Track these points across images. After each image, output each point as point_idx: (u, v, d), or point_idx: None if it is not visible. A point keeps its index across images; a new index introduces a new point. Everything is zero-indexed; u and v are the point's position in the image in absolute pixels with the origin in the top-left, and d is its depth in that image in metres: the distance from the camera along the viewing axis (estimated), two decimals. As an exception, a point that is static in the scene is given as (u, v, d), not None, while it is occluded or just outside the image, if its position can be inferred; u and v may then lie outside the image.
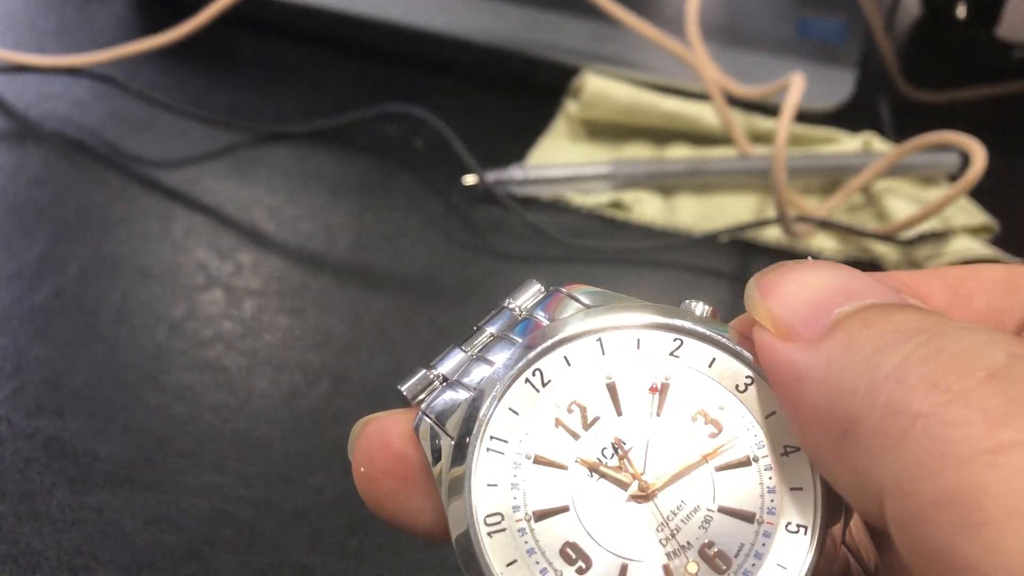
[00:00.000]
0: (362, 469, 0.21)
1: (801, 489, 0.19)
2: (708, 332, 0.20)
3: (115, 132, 0.51)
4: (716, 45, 0.54)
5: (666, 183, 0.49)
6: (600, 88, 0.51)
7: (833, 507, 0.19)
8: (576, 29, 0.55)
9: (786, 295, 0.18)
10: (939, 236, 0.46)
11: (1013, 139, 0.55)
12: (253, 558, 0.33)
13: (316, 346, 0.40)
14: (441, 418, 0.20)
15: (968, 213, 0.47)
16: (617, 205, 0.48)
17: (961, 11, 0.62)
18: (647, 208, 0.48)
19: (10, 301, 0.41)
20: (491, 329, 0.22)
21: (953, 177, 0.50)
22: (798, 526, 0.19)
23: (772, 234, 0.46)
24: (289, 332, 0.41)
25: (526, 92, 0.55)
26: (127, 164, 0.49)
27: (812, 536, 0.19)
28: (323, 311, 0.42)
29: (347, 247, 0.45)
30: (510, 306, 0.22)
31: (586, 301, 0.21)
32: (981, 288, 0.20)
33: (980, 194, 0.47)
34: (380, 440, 0.21)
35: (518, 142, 0.51)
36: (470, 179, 0.47)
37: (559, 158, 0.50)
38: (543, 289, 0.22)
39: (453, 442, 0.20)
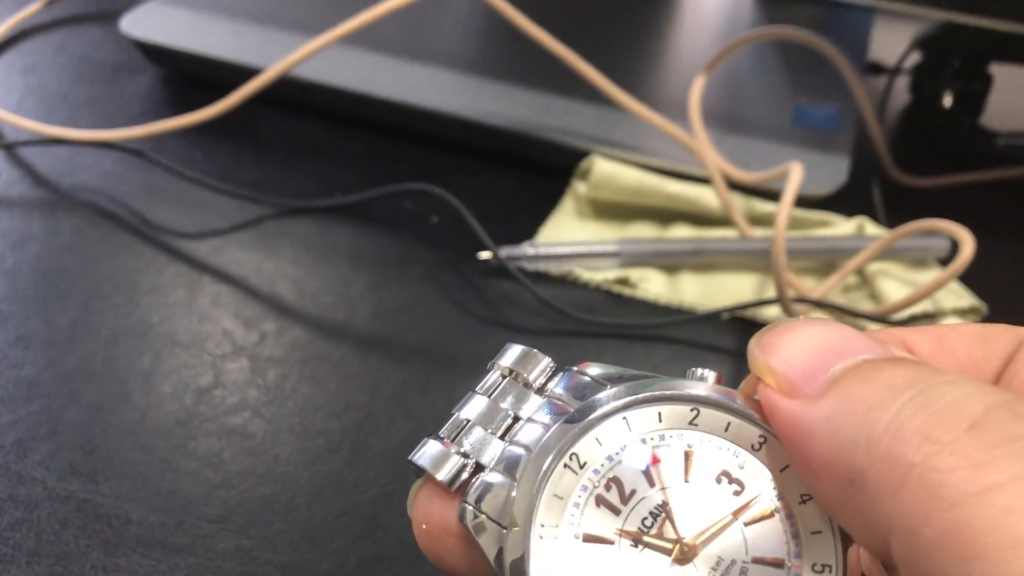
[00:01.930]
0: (423, 527, 0.22)
1: (821, 532, 0.21)
2: (720, 399, 0.22)
3: (144, 203, 0.53)
4: (717, 131, 0.57)
5: (670, 261, 0.51)
6: (608, 170, 0.53)
7: (850, 543, 0.21)
8: (585, 114, 0.58)
9: (785, 353, 0.20)
10: (930, 317, 0.49)
11: (999, 223, 0.58)
12: (279, 620, 0.34)
13: (337, 414, 0.42)
14: (488, 509, 0.21)
15: (957, 295, 0.50)
16: (624, 282, 0.50)
17: (947, 101, 0.65)
18: (652, 285, 0.50)
19: (45, 365, 0.43)
20: (503, 403, 0.23)
21: (943, 260, 0.53)
22: (823, 566, 0.20)
23: (771, 312, 0.49)
24: (311, 400, 0.43)
25: (537, 172, 0.58)
26: (155, 234, 0.51)
27: (837, 572, 0.20)
28: (343, 380, 0.44)
29: (366, 318, 0.47)
30: (511, 375, 0.24)
31: (600, 379, 0.23)
32: (961, 340, 0.22)
33: (968, 277, 0.49)
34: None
35: (529, 220, 0.54)
36: (484, 255, 0.50)
37: (568, 236, 0.53)
38: (552, 364, 0.24)
39: (503, 530, 0.21)
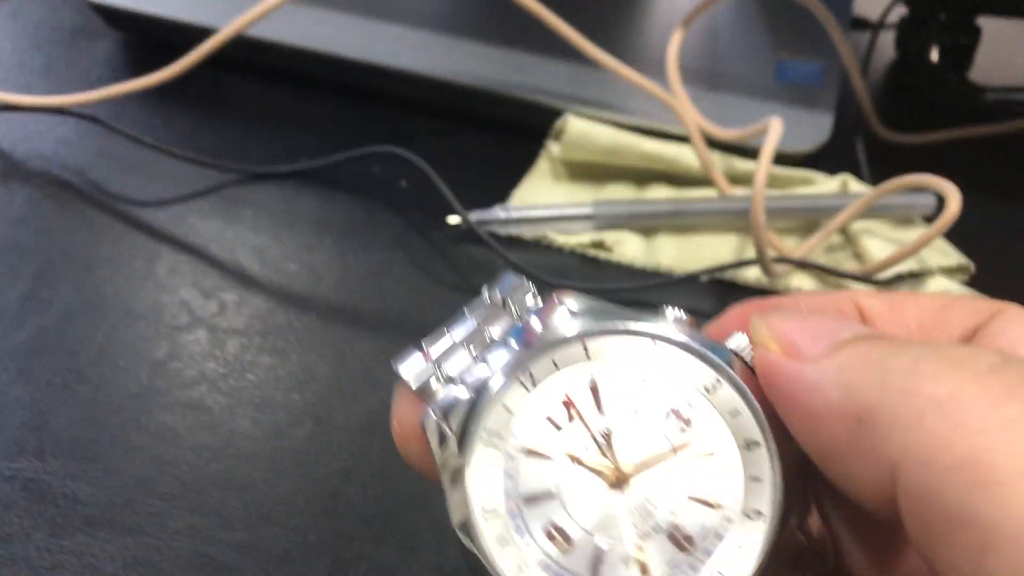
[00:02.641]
0: (396, 426, 0.24)
1: (760, 480, 0.21)
2: (680, 338, 0.23)
3: (100, 171, 0.51)
4: (696, 88, 0.55)
5: (647, 224, 0.49)
6: (582, 130, 0.51)
7: (790, 497, 0.21)
8: (559, 72, 0.55)
9: (789, 326, 0.20)
10: (916, 277, 0.47)
11: (987, 180, 0.56)
12: (234, 601, 0.33)
13: (299, 386, 0.40)
14: (446, 416, 0.22)
15: (944, 254, 0.48)
16: (599, 245, 0.48)
17: (934, 55, 0.63)
18: (628, 248, 0.48)
19: (-8, 341, 0.41)
20: (487, 327, 0.24)
21: (929, 218, 0.51)
22: (756, 512, 0.21)
23: (751, 274, 0.47)
24: (272, 372, 0.41)
25: (509, 134, 0.55)
26: (112, 203, 0.49)
27: (768, 521, 0.21)
28: (306, 351, 0.42)
29: (331, 287, 0.45)
30: (500, 302, 0.25)
31: (575, 308, 0.24)
32: (917, 309, 0.23)
33: (955, 235, 0.48)
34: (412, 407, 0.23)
35: (501, 183, 0.52)
36: (454, 219, 0.48)
37: (541, 199, 0.51)
38: (535, 294, 0.25)
39: (455, 437, 0.22)
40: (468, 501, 0.22)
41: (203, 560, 0.34)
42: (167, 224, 0.48)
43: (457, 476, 0.22)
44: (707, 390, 0.22)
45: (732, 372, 0.22)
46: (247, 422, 0.39)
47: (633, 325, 0.23)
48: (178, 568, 0.33)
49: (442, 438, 0.22)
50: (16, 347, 0.41)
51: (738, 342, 0.22)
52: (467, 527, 0.21)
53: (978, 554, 0.15)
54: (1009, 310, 0.22)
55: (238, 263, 0.46)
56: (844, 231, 0.50)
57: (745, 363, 0.22)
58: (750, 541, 0.21)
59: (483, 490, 0.22)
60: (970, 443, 0.15)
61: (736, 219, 0.49)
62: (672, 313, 0.23)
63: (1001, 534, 0.15)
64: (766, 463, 0.21)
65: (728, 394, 0.22)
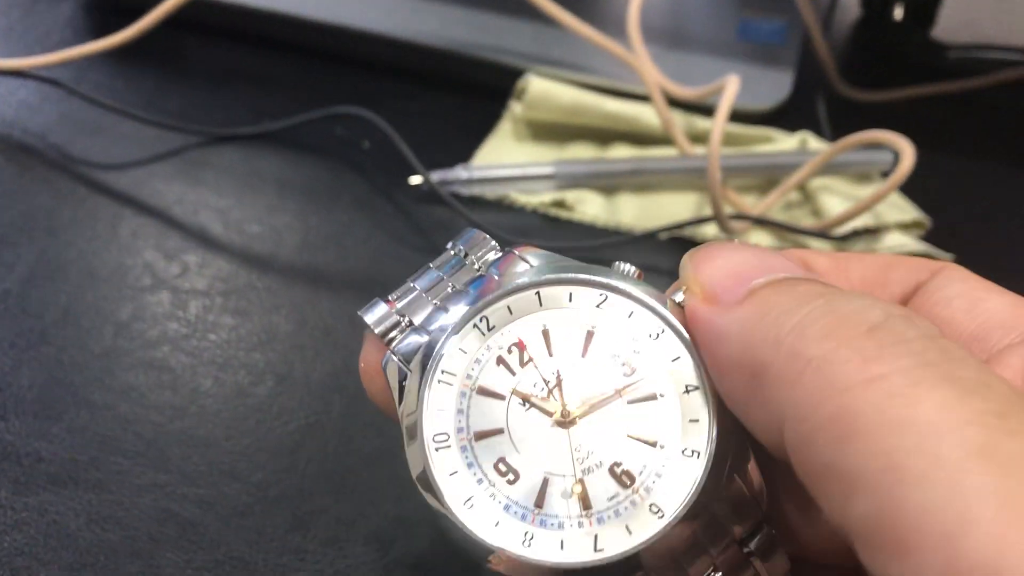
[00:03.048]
0: (362, 366, 0.26)
1: (697, 421, 0.23)
2: (628, 289, 0.24)
3: (62, 135, 0.51)
4: (658, 47, 0.55)
5: (608, 183, 0.50)
6: (543, 89, 0.52)
7: (726, 439, 0.22)
8: (520, 32, 0.56)
9: (712, 268, 0.22)
10: (872, 232, 0.48)
11: (946, 138, 0.57)
12: (196, 555, 0.33)
13: (260, 345, 0.41)
14: (407, 358, 0.24)
15: (900, 209, 0.49)
16: (560, 204, 0.49)
17: (898, 13, 0.64)
18: (589, 207, 0.49)
19: (-46, 304, 0.41)
20: (446, 275, 0.26)
21: (886, 174, 0.52)
22: (692, 451, 0.22)
23: (710, 231, 0.48)
24: (234, 332, 0.41)
25: (471, 94, 0.56)
26: (74, 167, 0.49)
27: (703, 460, 0.22)
28: (268, 311, 0.43)
29: (293, 248, 0.46)
30: (463, 254, 0.26)
31: (534, 262, 0.25)
32: (861, 266, 0.24)
33: (913, 191, 0.48)
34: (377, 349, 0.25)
35: (464, 143, 0.52)
36: (415, 179, 0.48)
37: (504, 158, 0.51)
38: (498, 248, 0.26)
39: (414, 375, 0.24)
40: (420, 431, 0.23)
41: (166, 515, 0.34)
42: (130, 187, 0.48)
43: (413, 429, 0.23)
44: (651, 336, 0.23)
45: (675, 320, 0.23)
46: (209, 381, 0.39)
47: (584, 276, 0.24)
48: (141, 523, 0.34)
49: (401, 384, 0.24)
50: (-22, 310, 0.41)
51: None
52: (424, 475, 0.23)
53: (844, 500, 0.16)
54: (947, 269, 0.24)
55: (200, 225, 0.46)
56: (802, 188, 0.51)
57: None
58: (686, 478, 0.22)
59: (436, 424, 0.23)
60: (837, 401, 0.17)
61: (695, 177, 0.50)
62: (622, 267, 0.25)
63: (864, 480, 0.16)
64: (702, 406, 0.22)
65: (670, 341, 0.23)
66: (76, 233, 0.46)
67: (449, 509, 0.22)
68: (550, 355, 0.24)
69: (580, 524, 0.22)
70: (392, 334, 0.25)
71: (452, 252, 0.27)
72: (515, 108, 0.53)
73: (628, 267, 0.25)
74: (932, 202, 0.50)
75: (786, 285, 0.20)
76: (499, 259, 0.26)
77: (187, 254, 0.45)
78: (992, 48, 0.61)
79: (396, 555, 0.34)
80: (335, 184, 0.49)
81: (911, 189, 0.47)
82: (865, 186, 0.51)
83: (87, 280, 0.43)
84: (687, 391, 0.23)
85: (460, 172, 0.48)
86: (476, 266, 0.26)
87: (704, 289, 0.21)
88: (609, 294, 0.24)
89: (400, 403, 0.24)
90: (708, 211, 0.49)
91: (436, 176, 0.48)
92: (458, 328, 0.24)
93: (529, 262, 0.25)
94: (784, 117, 0.54)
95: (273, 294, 0.43)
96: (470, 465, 0.23)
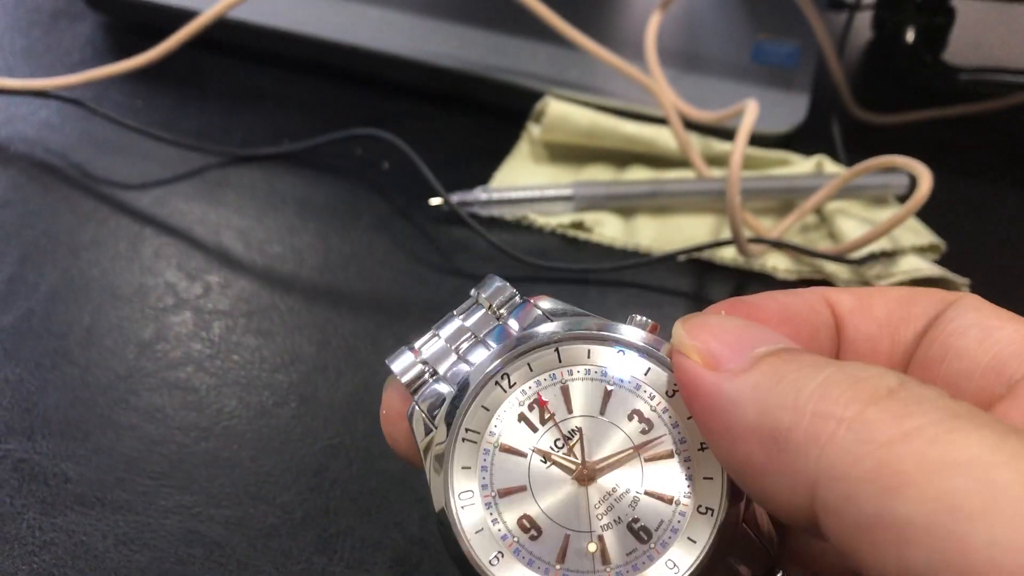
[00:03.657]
0: (384, 412, 0.26)
1: (712, 479, 0.23)
2: (645, 346, 0.24)
3: (84, 154, 0.51)
4: (674, 70, 0.56)
5: (626, 204, 0.50)
6: (562, 112, 0.52)
7: (735, 494, 0.23)
8: (539, 55, 0.56)
9: (709, 335, 0.22)
10: (888, 255, 0.48)
11: (959, 160, 0.57)
12: (223, 576, 0.34)
13: (284, 366, 0.41)
14: (430, 410, 0.25)
15: (916, 233, 0.49)
16: (579, 226, 0.49)
17: (910, 36, 0.64)
18: (607, 229, 0.49)
19: (-21, 324, 0.42)
20: (469, 325, 0.26)
21: (902, 198, 0.52)
22: (707, 508, 0.23)
23: (728, 254, 0.48)
24: (257, 353, 0.42)
25: (490, 115, 0.56)
26: (96, 186, 0.50)
27: (717, 516, 0.23)
28: (291, 332, 0.43)
29: (314, 268, 0.46)
30: (486, 304, 0.27)
31: (548, 311, 0.26)
32: (883, 301, 0.24)
33: (928, 214, 0.49)
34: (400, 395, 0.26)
35: (482, 165, 0.53)
36: (435, 201, 0.48)
37: (522, 180, 0.51)
38: (515, 295, 0.27)
39: (436, 430, 0.24)
40: (448, 492, 0.24)
41: (192, 536, 0.35)
42: (151, 207, 0.49)
43: (439, 462, 0.24)
44: (667, 394, 0.24)
45: None
46: (234, 402, 0.40)
47: (602, 333, 0.25)
48: (168, 544, 0.34)
49: (426, 431, 0.25)
50: (3, 329, 0.41)
51: None
52: (446, 515, 0.23)
53: (898, 549, 0.16)
54: (963, 300, 0.24)
55: (222, 245, 0.47)
56: (819, 211, 0.51)
57: None
58: (700, 534, 0.23)
59: (461, 482, 0.24)
60: (878, 455, 0.17)
61: (713, 200, 0.50)
62: (641, 320, 0.25)
63: (917, 526, 0.16)
64: (717, 464, 0.23)
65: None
66: (98, 252, 0.46)
67: (478, 564, 0.23)
68: (569, 412, 0.24)
69: None
70: (417, 384, 0.25)
71: (473, 300, 0.27)
72: (533, 130, 0.54)
73: (644, 320, 0.25)
74: (945, 224, 0.50)
75: (791, 354, 0.20)
76: (517, 309, 0.26)
77: (209, 274, 0.45)
78: (1003, 71, 0.62)
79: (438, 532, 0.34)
80: (355, 205, 0.50)
81: (925, 212, 0.47)
82: (881, 209, 0.52)
83: (109, 300, 0.44)
84: (702, 448, 0.23)
85: (479, 193, 0.49)
86: (495, 314, 0.27)
87: (703, 355, 0.21)
88: (627, 350, 0.25)
89: (424, 447, 0.25)
90: (726, 233, 0.49)
91: (456, 197, 0.48)
92: (480, 385, 0.24)
93: (545, 311, 0.26)
94: (799, 140, 0.55)
95: (295, 314, 0.44)
96: (495, 522, 0.23)
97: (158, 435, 0.38)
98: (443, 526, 0.24)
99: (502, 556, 0.23)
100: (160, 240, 0.47)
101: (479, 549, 0.23)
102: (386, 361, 0.26)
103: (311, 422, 0.39)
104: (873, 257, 0.48)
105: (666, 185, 0.50)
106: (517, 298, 0.27)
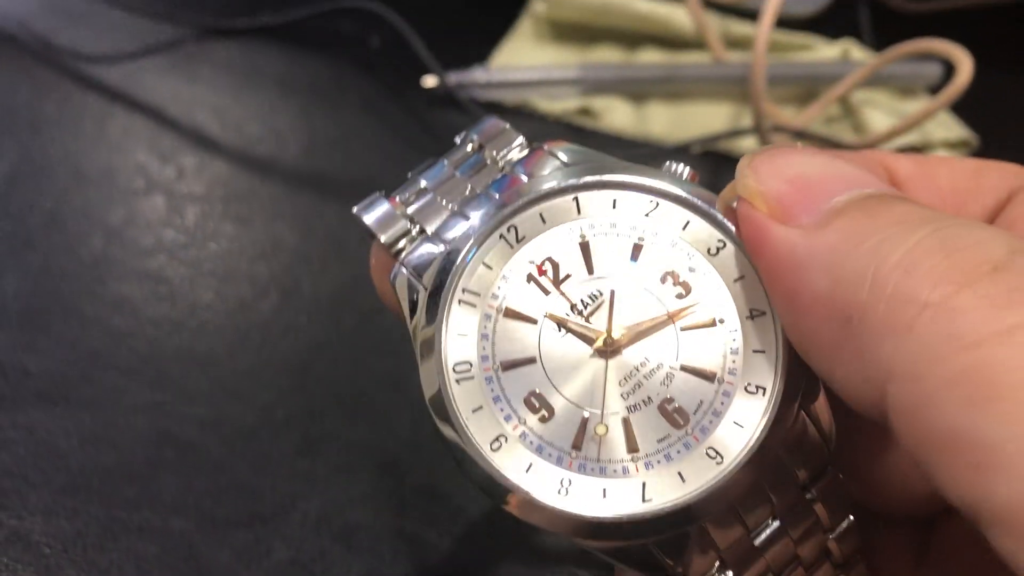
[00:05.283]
0: (373, 261, 0.22)
1: (764, 352, 0.19)
2: (684, 194, 0.20)
3: (47, 24, 0.47)
4: (692, -57, 0.51)
5: (637, 89, 0.46)
6: (569, -14, 0.48)
7: (795, 374, 0.19)
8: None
9: (779, 177, 0.18)
10: (917, 151, 0.45)
11: (996, 51, 0.53)
12: (198, 480, 0.31)
13: (264, 256, 0.38)
14: (418, 271, 0.20)
15: (947, 127, 0.46)
16: (586, 112, 0.45)
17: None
18: (617, 116, 0.45)
19: (-70, 205, 0.38)
20: (462, 175, 0.22)
21: (933, 89, 0.48)
22: (757, 387, 0.19)
23: (747, 145, 0.44)
24: (235, 241, 0.38)
25: (490, -11, 0.52)
26: (60, 58, 0.45)
27: (770, 398, 0.19)
28: (271, 219, 0.39)
29: (297, 151, 0.42)
30: (487, 154, 0.22)
31: (566, 159, 0.21)
32: (948, 170, 0.21)
33: (959, 108, 0.45)
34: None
35: (481, 42, 0.48)
36: (430, 81, 0.44)
37: (524, 61, 0.47)
38: (525, 144, 0.22)
39: (427, 291, 0.20)
40: (439, 362, 0.20)
41: (164, 436, 0.32)
42: (119, 82, 0.45)
43: (429, 347, 0.20)
44: (710, 253, 0.20)
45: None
46: (209, 294, 0.36)
47: (631, 178, 0.21)
48: (137, 444, 0.32)
49: (413, 302, 0.20)
50: (-43, 211, 0.38)
51: None
52: (439, 398, 0.20)
53: (976, 473, 0.14)
54: None
55: (196, 125, 0.43)
56: (844, 101, 0.47)
57: None
58: (749, 418, 0.19)
59: (457, 352, 0.20)
60: (966, 357, 0.14)
61: (732, 86, 0.46)
62: (675, 167, 0.21)
63: (1004, 452, 0.13)
64: (771, 335, 0.19)
65: (733, 257, 0.20)
66: (61, 130, 0.42)
67: (476, 449, 0.19)
68: (590, 273, 0.20)
69: (625, 470, 0.19)
70: (401, 243, 0.21)
71: (468, 147, 0.23)
72: (537, 6, 0.49)
73: (682, 167, 0.21)
74: (977, 119, 0.47)
75: (878, 204, 0.17)
76: (525, 156, 0.22)
77: (183, 156, 0.41)
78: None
79: (414, 483, 0.31)
80: (341, 84, 0.46)
81: (955, 104, 0.44)
82: (910, 100, 0.48)
83: (74, 182, 0.40)
84: (751, 316, 0.20)
85: (478, 74, 0.45)
86: (499, 164, 0.22)
87: (771, 204, 0.18)
88: (661, 200, 0.21)
89: (412, 320, 0.20)
90: (745, 122, 0.45)
91: (453, 78, 0.44)
92: (482, 239, 0.20)
93: (562, 160, 0.21)
94: (825, 23, 0.51)
95: (276, 200, 0.40)
96: (496, 399, 0.20)
97: (127, 328, 0.35)
98: (435, 405, 0.20)
99: (505, 440, 0.19)
100: (129, 118, 0.43)
101: (476, 431, 0.19)
102: (354, 210, 0.22)
103: (294, 317, 0.36)
104: (901, 152, 0.44)
105: (681, 69, 0.46)
106: (523, 144, 0.22)
